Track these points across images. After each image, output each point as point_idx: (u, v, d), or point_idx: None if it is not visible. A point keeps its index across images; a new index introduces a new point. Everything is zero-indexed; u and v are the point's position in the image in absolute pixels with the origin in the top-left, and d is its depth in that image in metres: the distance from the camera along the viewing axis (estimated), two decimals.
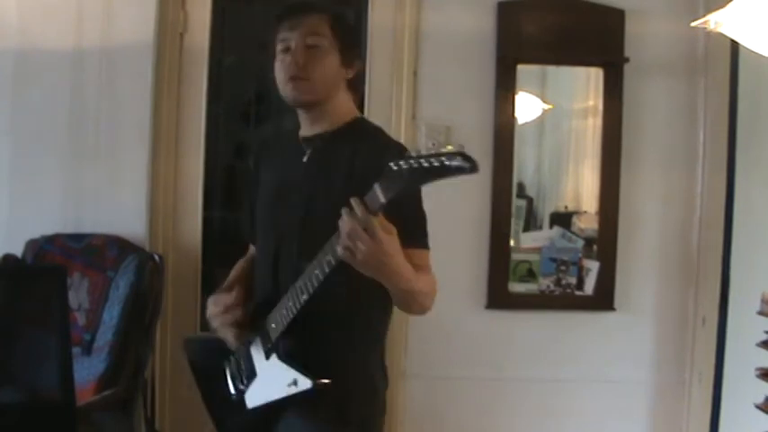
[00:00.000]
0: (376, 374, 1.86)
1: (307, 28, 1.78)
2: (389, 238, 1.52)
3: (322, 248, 1.59)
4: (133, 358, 2.80)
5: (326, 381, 1.69)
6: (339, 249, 1.52)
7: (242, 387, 1.86)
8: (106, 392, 2.66)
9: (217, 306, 1.85)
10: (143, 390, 2.92)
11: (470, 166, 1.33)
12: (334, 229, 1.58)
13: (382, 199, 1.45)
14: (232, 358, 1.89)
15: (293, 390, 1.70)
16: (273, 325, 1.76)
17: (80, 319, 2.87)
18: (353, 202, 1.49)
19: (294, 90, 1.80)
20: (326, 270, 1.59)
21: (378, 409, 1.86)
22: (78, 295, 2.89)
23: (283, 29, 1.80)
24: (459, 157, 1.33)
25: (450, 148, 1.34)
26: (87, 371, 2.70)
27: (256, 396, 1.83)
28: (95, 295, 2.90)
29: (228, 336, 1.84)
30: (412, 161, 1.37)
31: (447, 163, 1.33)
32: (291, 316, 1.70)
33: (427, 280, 1.71)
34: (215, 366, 1.92)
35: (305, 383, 1.69)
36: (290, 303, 1.70)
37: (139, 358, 2.83)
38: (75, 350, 2.67)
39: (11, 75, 3.11)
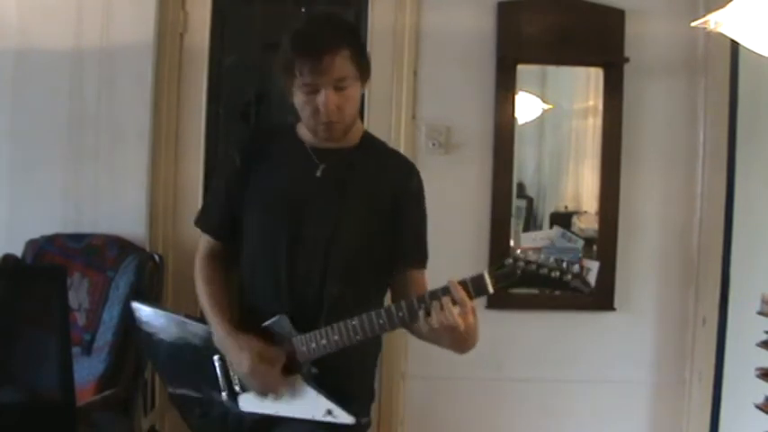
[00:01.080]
0: (373, 370, 1.94)
1: (335, 73, 1.72)
2: (476, 320, 1.66)
3: (396, 303, 1.66)
4: (133, 358, 2.80)
5: (366, 419, 1.80)
6: (427, 327, 1.62)
7: (237, 390, 1.84)
8: (106, 392, 2.66)
9: (263, 366, 1.77)
10: (143, 390, 2.92)
11: (589, 291, 1.54)
12: (364, 254, 1.73)
13: (491, 290, 1.60)
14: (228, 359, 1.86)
15: (329, 418, 1.74)
16: (304, 349, 1.75)
17: (80, 319, 2.87)
18: (453, 285, 1.62)
19: (327, 131, 1.79)
20: (396, 325, 1.68)
21: (373, 396, 1.94)
22: (78, 295, 2.89)
23: (306, 69, 1.71)
24: (578, 280, 1.50)
25: (564, 263, 1.52)
26: (87, 371, 2.70)
27: (257, 404, 1.82)
28: (95, 295, 2.90)
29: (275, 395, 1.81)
30: (529, 264, 1.53)
31: (566, 280, 1.53)
32: (334, 350, 1.72)
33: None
34: (185, 349, 1.91)
35: (344, 417, 1.74)
36: (337, 338, 1.71)
37: (139, 358, 2.83)
38: (75, 350, 2.67)
39: (11, 75, 3.11)
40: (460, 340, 1.67)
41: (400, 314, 1.65)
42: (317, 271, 1.78)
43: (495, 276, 1.58)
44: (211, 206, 2.00)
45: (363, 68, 1.79)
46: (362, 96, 1.88)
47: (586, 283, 1.51)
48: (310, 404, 1.75)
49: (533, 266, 1.53)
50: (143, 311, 2.06)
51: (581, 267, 1.50)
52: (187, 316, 1.99)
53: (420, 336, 1.70)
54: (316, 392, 1.75)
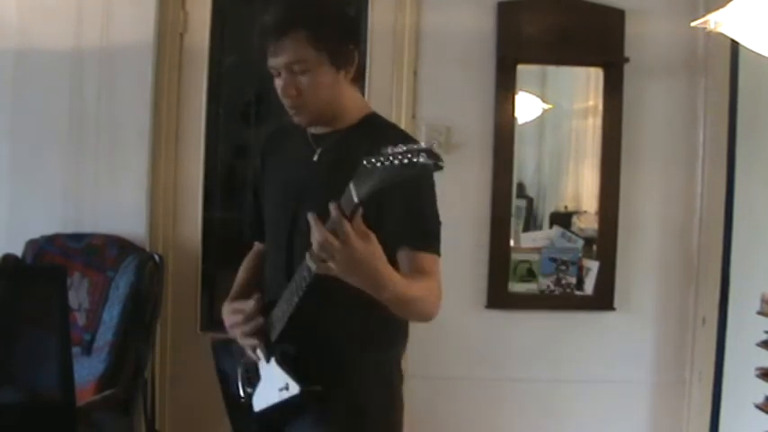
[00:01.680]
0: (392, 373, 1.83)
1: (288, 56, 1.67)
2: (364, 245, 1.44)
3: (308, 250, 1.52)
4: (133, 358, 2.80)
5: (317, 388, 1.67)
6: (311, 264, 1.48)
7: (249, 390, 1.85)
8: (106, 392, 2.66)
9: (235, 315, 1.79)
10: (143, 390, 2.91)
11: (434, 164, 1.27)
12: None
13: (355, 199, 1.36)
14: (242, 361, 1.87)
15: (285, 394, 1.69)
16: (274, 319, 1.73)
17: (80, 319, 2.87)
18: (331, 206, 1.42)
19: (296, 117, 1.76)
20: (308, 276, 1.55)
21: (396, 407, 1.83)
22: (78, 295, 2.89)
23: (269, 52, 1.70)
24: (424, 154, 1.26)
25: (420, 144, 1.29)
26: (87, 371, 2.70)
27: (260, 400, 1.82)
28: (95, 295, 2.90)
29: (250, 345, 1.79)
30: (382, 158, 1.29)
31: (415, 160, 1.27)
32: (286, 318, 1.67)
33: (423, 286, 1.63)
34: (234, 370, 1.91)
35: (294, 389, 1.67)
36: (285, 306, 1.66)
37: (139, 358, 2.83)
38: (75, 350, 2.67)
39: (11, 75, 3.11)
40: (351, 271, 1.47)
41: (308, 263, 1.53)
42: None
43: (356, 183, 1.37)
44: (249, 215, 2.05)
45: (333, 52, 1.69)
46: (361, 79, 1.83)
47: (433, 155, 1.26)
48: (276, 382, 1.72)
49: (383, 160, 1.29)
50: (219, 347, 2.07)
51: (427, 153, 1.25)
52: None
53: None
54: (279, 369, 1.72)
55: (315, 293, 1.60)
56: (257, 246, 2.03)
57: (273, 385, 1.74)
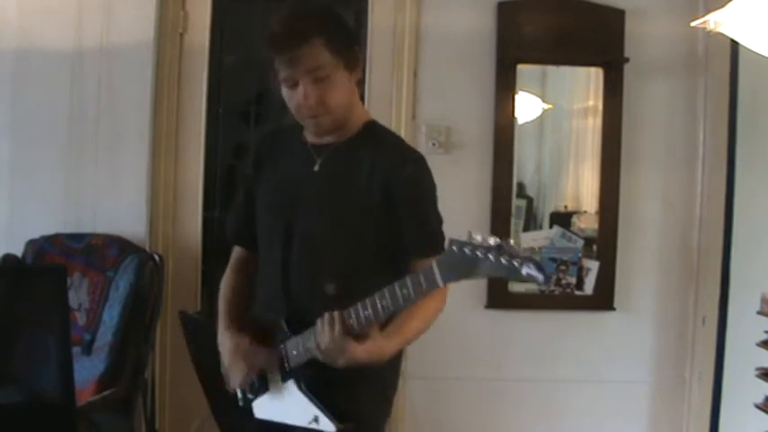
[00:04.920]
0: (388, 381, 1.91)
1: (308, 64, 1.65)
2: (365, 351, 1.59)
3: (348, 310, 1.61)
4: (133, 358, 2.80)
5: (350, 427, 1.70)
6: (316, 354, 1.61)
7: (250, 396, 1.84)
8: (106, 392, 2.66)
9: (242, 361, 1.79)
10: (143, 390, 2.92)
11: (543, 278, 1.33)
12: (362, 249, 1.68)
13: (441, 284, 1.44)
14: None
15: (314, 425, 1.71)
16: (294, 352, 1.73)
17: (80, 319, 2.87)
18: (329, 319, 1.57)
19: (316, 126, 1.74)
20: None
21: (387, 414, 1.91)
22: (78, 295, 2.89)
23: (281, 63, 1.67)
24: (532, 266, 1.31)
25: (523, 248, 1.35)
26: (87, 371, 2.70)
27: (266, 410, 1.82)
28: (95, 295, 2.90)
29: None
30: (475, 248, 1.35)
31: (518, 267, 1.32)
32: (308, 357, 1.69)
33: (420, 315, 1.70)
34: (215, 358, 1.90)
35: (328, 425, 1.69)
36: (305, 348, 1.69)
37: (139, 358, 2.83)
38: (75, 350, 2.67)
39: (11, 75, 3.11)
40: (351, 366, 1.64)
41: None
42: (309, 268, 1.75)
43: (439, 266, 1.44)
44: (234, 216, 2.01)
45: (345, 55, 1.69)
46: (362, 83, 1.83)
47: (541, 269, 1.30)
48: (301, 410, 1.72)
49: (474, 253, 1.35)
50: (189, 320, 2.13)
51: None
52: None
53: None
54: (306, 399, 1.72)
55: None
56: (238, 253, 1.99)
57: (295, 410, 1.74)
